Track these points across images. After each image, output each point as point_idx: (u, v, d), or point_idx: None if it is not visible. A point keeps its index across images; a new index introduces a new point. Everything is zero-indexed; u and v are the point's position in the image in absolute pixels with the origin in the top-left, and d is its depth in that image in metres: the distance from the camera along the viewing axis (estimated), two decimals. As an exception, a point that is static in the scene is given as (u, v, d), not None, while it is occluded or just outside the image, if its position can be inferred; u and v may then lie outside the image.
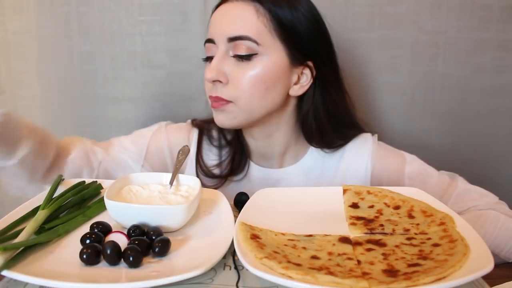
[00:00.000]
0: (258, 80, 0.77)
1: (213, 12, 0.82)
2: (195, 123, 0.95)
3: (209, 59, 0.81)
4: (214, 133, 0.93)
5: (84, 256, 0.51)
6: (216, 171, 0.90)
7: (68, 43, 1.14)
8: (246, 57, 0.77)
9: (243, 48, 0.76)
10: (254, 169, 0.91)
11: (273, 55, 0.78)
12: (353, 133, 0.89)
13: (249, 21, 0.77)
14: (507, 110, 1.17)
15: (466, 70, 1.14)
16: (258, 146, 0.90)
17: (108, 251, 0.50)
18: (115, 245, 0.51)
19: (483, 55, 1.13)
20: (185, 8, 1.12)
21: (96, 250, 0.51)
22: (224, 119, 0.81)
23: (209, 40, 0.80)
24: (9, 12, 1.12)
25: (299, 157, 0.89)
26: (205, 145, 0.92)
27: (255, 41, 0.76)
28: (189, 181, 0.68)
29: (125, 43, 1.14)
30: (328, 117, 0.85)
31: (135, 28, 1.13)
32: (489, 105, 1.16)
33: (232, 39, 0.77)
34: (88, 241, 0.54)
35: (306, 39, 0.80)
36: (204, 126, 0.94)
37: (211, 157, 0.92)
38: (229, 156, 0.90)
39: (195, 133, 0.93)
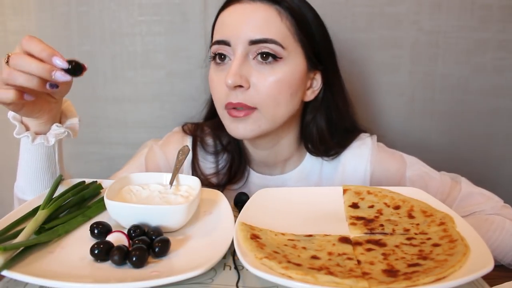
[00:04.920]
0: (284, 85, 0.75)
1: (220, 11, 0.79)
2: (187, 129, 0.91)
3: (217, 59, 0.77)
4: (209, 140, 0.89)
5: (96, 252, 0.51)
6: (214, 179, 0.86)
7: (68, 43, 1.14)
8: (271, 61, 0.73)
9: (267, 51, 0.73)
10: (254, 177, 0.89)
11: (295, 59, 0.76)
12: (352, 138, 0.87)
13: (274, 24, 0.74)
14: (507, 110, 1.17)
15: (466, 70, 1.14)
16: (261, 155, 0.87)
17: (117, 253, 0.50)
18: (122, 247, 0.51)
19: (483, 55, 1.13)
20: (185, 8, 1.12)
21: (108, 247, 0.51)
22: (246, 130, 0.75)
23: (221, 42, 0.75)
24: (9, 12, 1.12)
25: (298, 162, 0.88)
26: (200, 152, 0.88)
27: (280, 45, 0.73)
28: (189, 181, 0.68)
29: (125, 43, 1.14)
30: (329, 126, 0.84)
31: (135, 28, 1.13)
32: (489, 105, 1.16)
33: (255, 42, 0.73)
34: (96, 231, 0.56)
35: (319, 43, 0.79)
36: (197, 133, 0.89)
37: (208, 164, 0.88)
38: (227, 165, 0.87)
39: (188, 141, 0.89)
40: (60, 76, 0.56)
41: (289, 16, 0.75)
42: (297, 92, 0.78)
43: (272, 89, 0.74)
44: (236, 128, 0.76)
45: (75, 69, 0.58)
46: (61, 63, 0.56)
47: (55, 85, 0.59)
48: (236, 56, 0.74)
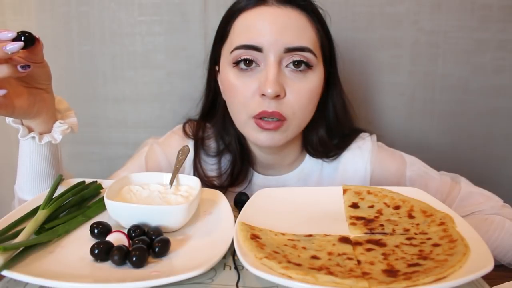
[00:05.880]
0: (313, 93, 0.74)
1: (240, 11, 0.75)
2: (189, 130, 0.89)
3: (242, 65, 0.73)
4: (211, 143, 0.88)
5: (96, 252, 0.51)
6: (216, 182, 0.85)
7: (68, 43, 1.14)
8: (303, 69, 0.72)
9: (302, 60, 0.71)
10: (257, 178, 0.88)
11: (320, 66, 0.76)
12: (351, 138, 0.87)
13: (308, 32, 0.72)
14: (507, 110, 1.17)
15: (466, 70, 1.14)
16: (267, 159, 0.86)
17: (117, 253, 0.50)
18: (122, 247, 0.51)
19: (483, 55, 1.13)
20: (185, 8, 1.12)
21: (108, 247, 0.51)
22: (274, 140, 0.74)
23: (250, 47, 0.71)
24: (9, 12, 1.12)
25: (298, 163, 0.88)
26: (203, 155, 0.87)
27: (314, 54, 0.72)
28: (189, 181, 0.68)
29: (125, 43, 1.14)
30: (328, 130, 0.84)
31: (135, 28, 1.13)
32: (489, 105, 1.17)
33: (291, 50, 0.70)
34: (96, 231, 0.56)
35: (330, 49, 0.80)
36: (199, 136, 0.88)
37: (210, 166, 0.87)
38: (229, 167, 0.85)
39: (190, 144, 0.87)
40: (13, 46, 0.55)
41: (315, 23, 0.74)
42: (318, 100, 0.78)
43: (305, 98, 0.73)
44: (260, 137, 0.74)
45: (26, 38, 0.57)
46: (6, 34, 0.55)
47: (26, 65, 0.59)
48: (270, 63, 0.71)
